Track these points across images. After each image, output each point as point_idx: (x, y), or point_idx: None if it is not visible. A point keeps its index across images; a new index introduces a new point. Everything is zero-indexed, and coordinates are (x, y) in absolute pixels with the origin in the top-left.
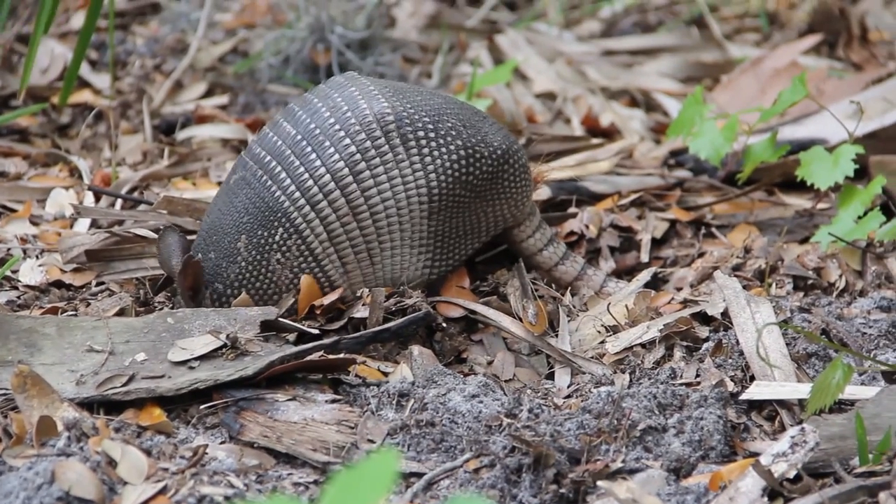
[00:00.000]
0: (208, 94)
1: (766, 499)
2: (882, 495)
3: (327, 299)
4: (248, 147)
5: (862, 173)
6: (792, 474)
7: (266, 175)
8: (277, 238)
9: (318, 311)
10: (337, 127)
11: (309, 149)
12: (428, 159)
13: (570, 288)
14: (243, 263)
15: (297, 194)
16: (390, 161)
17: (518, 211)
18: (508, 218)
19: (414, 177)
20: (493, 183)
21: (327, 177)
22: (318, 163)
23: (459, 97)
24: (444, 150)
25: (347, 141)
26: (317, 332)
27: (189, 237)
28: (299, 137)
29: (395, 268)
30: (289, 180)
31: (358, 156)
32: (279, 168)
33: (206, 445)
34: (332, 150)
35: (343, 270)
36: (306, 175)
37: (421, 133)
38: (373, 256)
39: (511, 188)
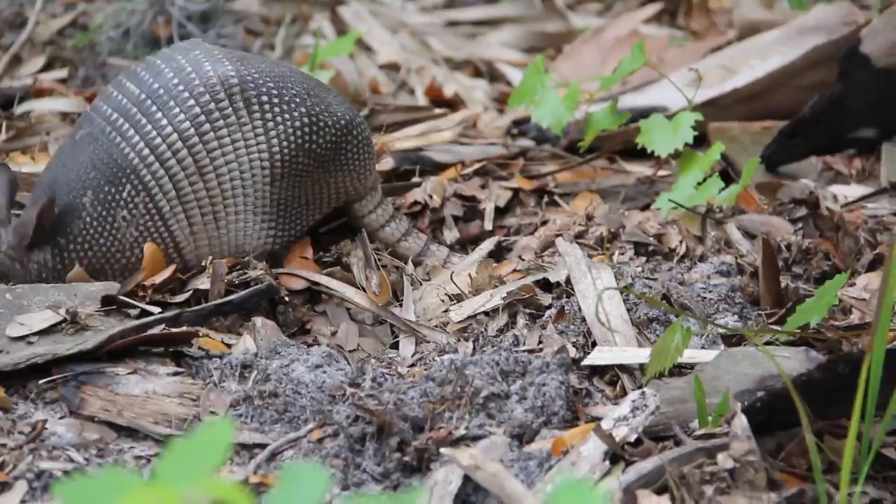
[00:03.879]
0: (47, 67)
1: (607, 462)
2: (720, 456)
3: (159, 277)
4: (94, 105)
5: (701, 140)
6: (633, 438)
7: (114, 132)
8: (125, 195)
9: (151, 289)
10: (181, 88)
11: (154, 108)
12: (271, 124)
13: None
14: (88, 219)
15: (146, 151)
16: (234, 124)
17: (360, 184)
18: (350, 190)
19: (256, 141)
20: (336, 153)
21: (174, 136)
22: (164, 122)
23: (303, 69)
24: (287, 115)
25: (192, 102)
26: (157, 310)
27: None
28: (144, 97)
29: (238, 234)
30: (137, 137)
31: (202, 117)
32: (127, 125)
33: (46, 420)
34: (177, 110)
35: (189, 232)
36: (154, 133)
37: (265, 98)
38: (217, 220)
39: (353, 160)
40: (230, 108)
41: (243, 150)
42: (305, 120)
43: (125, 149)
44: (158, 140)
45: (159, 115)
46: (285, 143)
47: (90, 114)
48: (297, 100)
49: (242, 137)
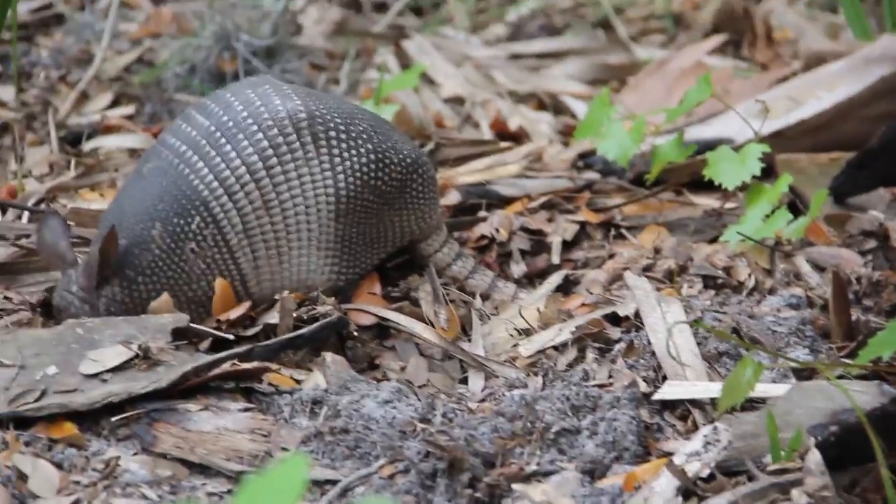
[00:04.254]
0: (114, 104)
1: (680, 498)
2: (794, 492)
3: (234, 313)
4: (161, 138)
5: (768, 172)
6: (706, 473)
7: (183, 164)
8: (193, 227)
9: (224, 326)
10: (250, 121)
11: (223, 140)
12: (337, 160)
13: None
14: (157, 251)
15: (215, 184)
16: (301, 159)
17: (424, 223)
18: (415, 230)
19: (322, 176)
20: (401, 191)
21: (242, 168)
22: (233, 154)
23: (367, 103)
24: (353, 151)
25: (260, 135)
26: (231, 337)
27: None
28: (213, 129)
29: (301, 269)
30: (206, 170)
31: (270, 150)
32: (196, 158)
33: (119, 457)
34: (245, 143)
35: (254, 265)
36: (223, 165)
37: (332, 133)
38: (281, 255)
39: (418, 199)
40: (298, 143)
41: (309, 185)
42: (372, 157)
43: (194, 181)
44: (227, 173)
45: (228, 147)
46: (351, 179)
47: (158, 147)
48: (364, 136)
49: (309, 172)
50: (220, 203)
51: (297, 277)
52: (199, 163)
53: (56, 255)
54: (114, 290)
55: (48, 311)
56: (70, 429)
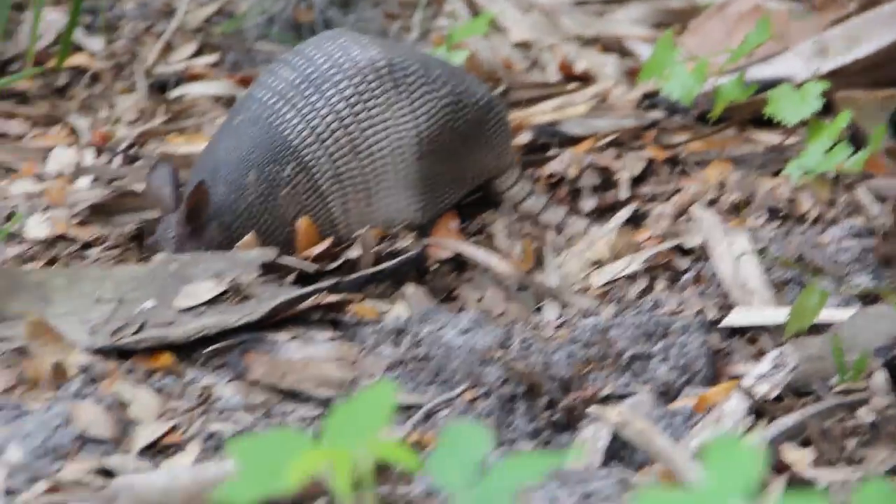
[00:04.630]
0: (198, 53)
1: (750, 418)
2: (861, 411)
3: (316, 249)
4: (248, 93)
5: (828, 109)
6: (774, 394)
7: (273, 115)
8: (286, 173)
9: (308, 259)
10: (333, 71)
11: (310, 91)
12: (418, 103)
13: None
14: (252, 197)
15: (306, 132)
16: (383, 104)
17: (500, 161)
18: (492, 167)
19: (405, 119)
20: (478, 131)
21: (331, 116)
22: (320, 103)
23: (439, 50)
24: (432, 95)
25: (345, 84)
26: (314, 271)
27: None
28: (299, 81)
29: (389, 209)
30: (296, 119)
31: (355, 97)
32: (285, 108)
33: (214, 385)
34: (331, 91)
35: (344, 209)
36: (312, 114)
37: (412, 79)
38: (370, 196)
39: (493, 138)
40: (380, 89)
41: (393, 129)
42: (450, 99)
43: (285, 130)
44: (316, 121)
45: (315, 97)
46: (432, 121)
47: (245, 101)
48: (441, 80)
49: (392, 116)
50: (311, 150)
51: (385, 218)
52: (288, 112)
53: (159, 199)
54: (212, 234)
55: (140, 245)
56: (167, 359)
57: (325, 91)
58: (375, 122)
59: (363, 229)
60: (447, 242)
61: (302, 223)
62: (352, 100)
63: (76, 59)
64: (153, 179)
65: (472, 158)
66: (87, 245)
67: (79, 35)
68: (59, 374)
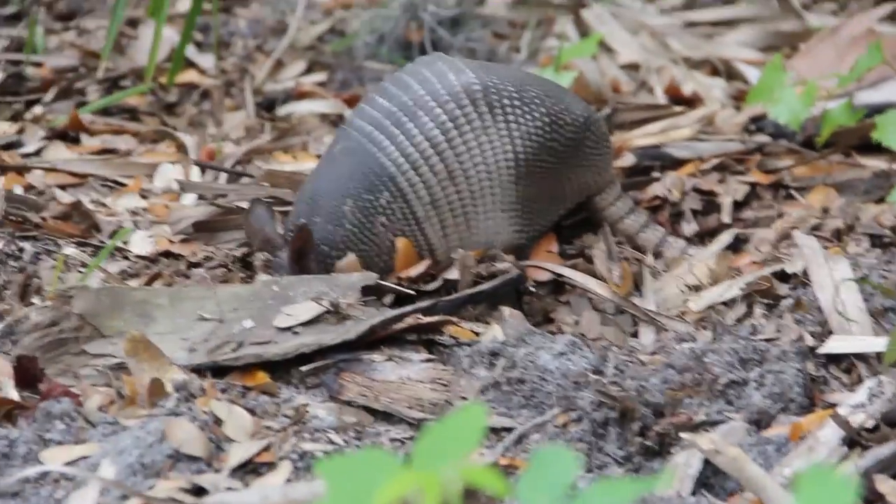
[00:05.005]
0: (307, 71)
1: (844, 448)
2: None
3: (414, 270)
4: (347, 120)
5: None
6: (870, 424)
7: (370, 143)
8: (383, 202)
9: (405, 281)
10: (428, 98)
11: (405, 118)
12: (514, 125)
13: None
14: (349, 226)
15: (401, 160)
16: (479, 128)
17: (599, 178)
18: (591, 185)
19: (501, 142)
20: (576, 150)
21: (425, 143)
22: (415, 131)
23: (547, 70)
24: (528, 116)
25: (439, 110)
26: (414, 293)
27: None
28: (394, 109)
29: (488, 232)
30: (392, 147)
31: (450, 123)
32: (381, 136)
33: (308, 404)
34: (426, 118)
35: (442, 234)
36: (406, 142)
37: (506, 101)
38: (469, 221)
39: (592, 155)
40: (475, 113)
41: (489, 152)
42: (546, 119)
43: (381, 159)
44: (411, 149)
45: (410, 125)
46: (528, 143)
47: (345, 129)
48: (537, 101)
49: (488, 140)
50: (406, 177)
51: (485, 241)
52: (384, 141)
53: (264, 240)
54: (311, 265)
55: (245, 266)
56: (263, 378)
57: (419, 118)
58: (471, 146)
59: (460, 251)
60: (546, 264)
61: (401, 244)
62: (446, 125)
63: (187, 76)
64: (251, 221)
65: (571, 177)
66: (193, 264)
67: (190, 51)
68: (155, 391)
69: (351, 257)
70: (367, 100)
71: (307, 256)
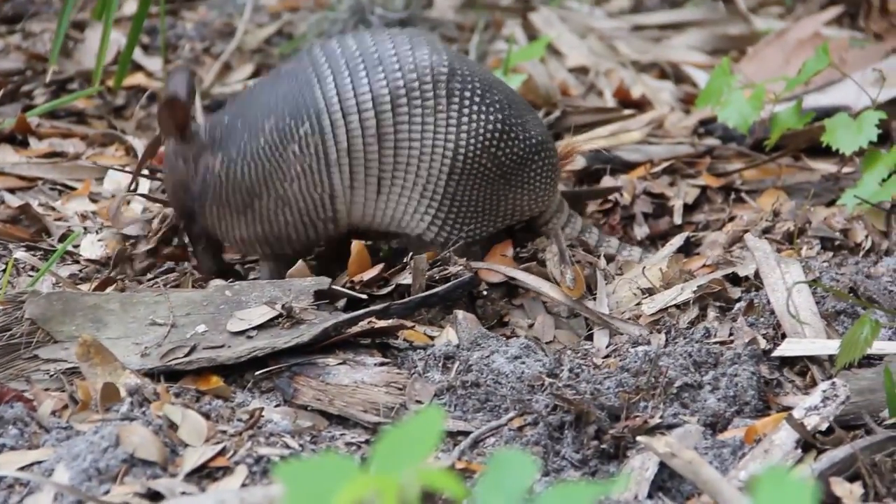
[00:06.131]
0: (255, 74)
1: (799, 450)
2: None
3: (368, 274)
4: (310, 48)
5: (884, 138)
6: (824, 427)
7: (315, 74)
8: (301, 131)
9: (358, 285)
10: (395, 59)
11: (361, 67)
12: (465, 119)
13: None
14: (262, 141)
15: (335, 99)
16: (430, 108)
17: (536, 205)
18: (526, 210)
19: (446, 130)
20: (521, 168)
21: (367, 96)
22: (364, 81)
23: (495, 73)
24: (482, 116)
25: (398, 74)
26: (366, 297)
27: None
28: (358, 54)
29: (398, 208)
30: (332, 85)
31: (402, 90)
32: (328, 72)
33: (262, 408)
34: (382, 75)
35: (348, 185)
36: (349, 87)
37: (468, 93)
38: (381, 186)
39: (536, 181)
40: (431, 93)
41: (430, 135)
42: (499, 126)
43: (316, 91)
44: (350, 94)
45: (363, 73)
46: (473, 141)
47: (304, 53)
48: (497, 105)
49: (433, 122)
50: (332, 118)
51: (392, 214)
52: (329, 77)
53: (170, 98)
54: (214, 162)
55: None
56: (217, 382)
57: (376, 72)
58: (414, 121)
59: (415, 255)
60: (498, 267)
61: (355, 247)
62: (398, 91)
63: (134, 79)
64: (171, 84)
65: (510, 195)
66: (143, 269)
67: (138, 54)
68: (109, 396)
69: (300, 264)
70: (339, 38)
71: (168, 124)
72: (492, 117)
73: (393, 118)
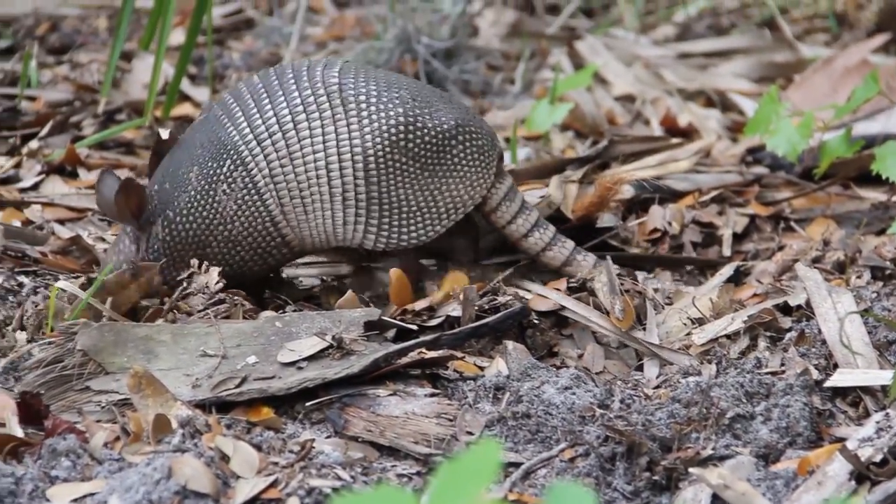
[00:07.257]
0: None
1: (853, 482)
2: None
3: (419, 305)
4: (220, 95)
5: None
6: (878, 458)
7: (224, 114)
8: (224, 169)
9: (409, 315)
10: (292, 83)
11: (265, 96)
12: (365, 122)
13: (572, 273)
14: (192, 192)
15: (247, 131)
16: (328, 119)
17: (474, 191)
18: (467, 200)
19: (350, 136)
20: (440, 156)
21: (273, 120)
22: (268, 107)
23: (542, 102)
24: (382, 115)
25: (295, 94)
26: (416, 328)
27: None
28: (260, 87)
29: (327, 221)
30: (241, 118)
31: (300, 108)
32: (237, 110)
33: (313, 440)
34: (281, 99)
35: (281, 210)
36: (257, 116)
37: (362, 97)
38: (305, 205)
39: (462, 165)
40: (327, 104)
41: (333, 143)
42: (402, 119)
43: (229, 129)
44: (259, 122)
45: (266, 101)
46: (378, 141)
47: (211, 104)
48: (397, 101)
49: (335, 131)
50: (248, 148)
51: (324, 228)
52: (238, 114)
53: (108, 208)
54: (157, 228)
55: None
56: (268, 413)
57: (277, 98)
58: (315, 133)
59: (467, 287)
60: (549, 294)
61: (395, 275)
62: (297, 109)
63: (182, 109)
64: (100, 190)
65: (440, 187)
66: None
67: (185, 85)
68: (160, 427)
69: (349, 295)
70: (246, 79)
71: (143, 212)
72: (392, 113)
73: (297, 135)
